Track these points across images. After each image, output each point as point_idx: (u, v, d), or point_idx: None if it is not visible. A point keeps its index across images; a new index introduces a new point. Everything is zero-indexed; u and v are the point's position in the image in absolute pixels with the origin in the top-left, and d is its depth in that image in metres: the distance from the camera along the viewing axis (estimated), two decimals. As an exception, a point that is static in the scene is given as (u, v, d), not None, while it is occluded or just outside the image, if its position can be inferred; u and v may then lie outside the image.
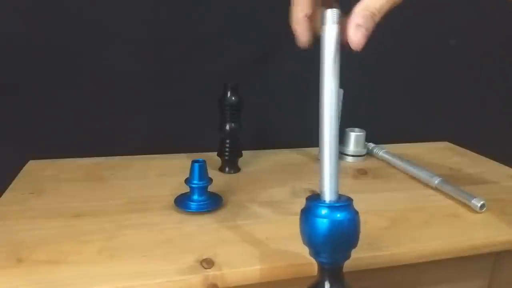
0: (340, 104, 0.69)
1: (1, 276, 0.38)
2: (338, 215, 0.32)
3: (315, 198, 0.34)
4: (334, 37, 0.32)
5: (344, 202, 0.33)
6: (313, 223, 0.32)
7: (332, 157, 0.33)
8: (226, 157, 0.65)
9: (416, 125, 0.89)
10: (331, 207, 0.32)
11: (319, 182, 0.33)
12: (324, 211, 0.32)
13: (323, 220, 0.31)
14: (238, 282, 0.41)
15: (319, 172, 0.33)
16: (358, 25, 0.32)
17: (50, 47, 0.66)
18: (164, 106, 0.73)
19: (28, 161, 0.67)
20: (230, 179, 0.64)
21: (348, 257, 0.33)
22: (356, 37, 0.32)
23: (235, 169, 0.67)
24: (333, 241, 0.32)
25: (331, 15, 0.32)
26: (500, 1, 0.85)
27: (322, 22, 0.33)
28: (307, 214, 0.33)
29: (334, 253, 0.32)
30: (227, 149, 0.65)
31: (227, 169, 0.66)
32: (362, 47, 0.33)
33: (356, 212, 0.33)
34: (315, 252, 0.33)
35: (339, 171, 0.33)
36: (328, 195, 0.33)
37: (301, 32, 0.35)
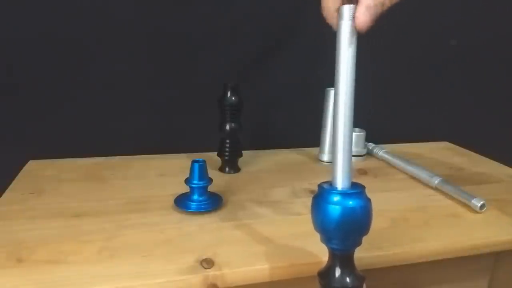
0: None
1: (1, 276, 0.38)
2: (351, 202, 0.32)
3: (327, 185, 0.33)
4: (351, 34, 0.32)
5: (356, 190, 0.33)
6: (326, 210, 0.32)
7: (346, 145, 0.33)
8: (226, 157, 0.65)
9: (416, 125, 0.89)
10: (344, 194, 0.32)
11: (332, 169, 0.33)
12: (336, 198, 0.32)
13: (336, 207, 0.31)
14: (238, 282, 0.41)
15: (332, 159, 0.33)
16: (368, 7, 0.33)
17: (50, 48, 0.66)
18: (164, 106, 0.74)
19: (28, 161, 0.67)
20: (230, 179, 0.64)
21: (359, 243, 0.33)
22: (363, 17, 0.33)
23: (235, 169, 0.67)
24: (345, 228, 0.32)
25: (348, 11, 0.32)
26: (500, 1, 0.85)
27: (339, 17, 0.33)
28: (320, 200, 0.33)
29: (345, 239, 0.33)
30: (227, 149, 0.65)
31: (227, 169, 0.66)
32: (366, 29, 0.33)
33: (369, 199, 0.33)
34: (327, 238, 0.33)
35: (351, 158, 0.33)
36: (340, 182, 0.33)
37: (334, 23, 0.36)
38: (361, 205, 0.32)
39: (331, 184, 0.33)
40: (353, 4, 0.35)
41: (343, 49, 0.32)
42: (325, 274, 0.34)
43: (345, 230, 0.32)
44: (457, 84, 0.90)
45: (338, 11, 0.33)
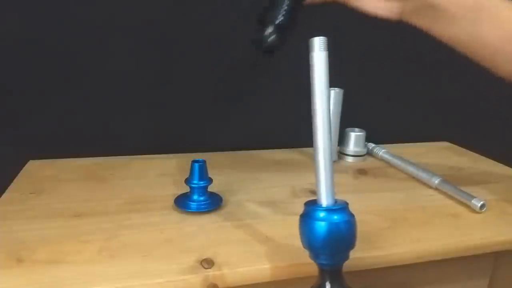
0: (340, 104, 0.69)
1: (1, 276, 0.38)
2: (335, 217, 0.34)
3: (312, 203, 0.35)
4: (322, 64, 0.35)
5: (340, 205, 0.34)
6: (312, 226, 0.34)
7: (327, 164, 0.35)
8: (279, 21, 0.44)
9: (416, 125, 0.89)
10: (328, 210, 0.34)
11: (316, 187, 0.35)
12: (321, 214, 0.34)
13: (321, 223, 0.33)
14: (238, 282, 0.41)
15: (315, 178, 0.35)
16: None
17: (50, 47, 0.66)
18: (164, 106, 0.74)
19: (28, 161, 0.67)
20: (230, 179, 0.63)
21: (346, 258, 0.34)
22: None
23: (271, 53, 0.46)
24: (332, 243, 0.33)
25: (318, 42, 0.35)
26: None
27: (309, 49, 0.35)
28: (306, 218, 0.35)
29: (333, 254, 0.34)
30: (284, 11, 0.44)
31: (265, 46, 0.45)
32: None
33: (352, 215, 0.35)
34: (315, 255, 0.35)
35: (333, 177, 0.35)
36: (324, 200, 0.35)
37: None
38: (345, 220, 0.34)
39: (316, 201, 0.35)
40: None
41: (317, 79, 0.35)
42: None
43: (331, 245, 0.33)
44: (457, 84, 0.90)
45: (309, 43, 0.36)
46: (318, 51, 0.35)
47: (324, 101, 0.35)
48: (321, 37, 0.35)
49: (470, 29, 0.46)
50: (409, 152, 0.78)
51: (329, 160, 0.35)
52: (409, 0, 0.48)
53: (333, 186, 0.35)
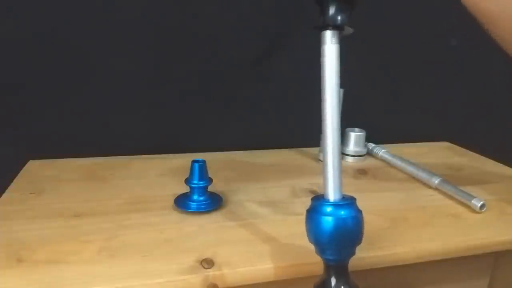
0: (340, 104, 0.69)
1: (1, 276, 0.38)
2: (342, 212, 0.33)
3: (319, 197, 0.35)
4: (334, 57, 0.34)
5: (347, 201, 0.34)
6: (319, 221, 0.33)
7: (335, 159, 0.34)
8: None
9: (416, 125, 0.89)
10: (335, 205, 0.33)
11: (323, 182, 0.35)
12: (329, 209, 0.33)
13: (328, 218, 0.33)
14: (238, 282, 0.41)
15: (322, 173, 0.35)
16: None
17: (50, 48, 0.66)
18: (164, 106, 0.74)
19: (28, 161, 0.67)
20: (230, 179, 0.63)
21: (353, 253, 0.34)
22: None
23: None
24: (338, 238, 0.33)
25: (330, 35, 0.34)
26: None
27: (321, 42, 0.34)
28: (313, 213, 0.34)
29: (339, 250, 0.33)
30: None
31: None
32: None
33: (360, 211, 0.34)
34: (321, 249, 0.34)
35: (341, 172, 0.34)
36: (332, 195, 0.34)
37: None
38: (352, 215, 0.33)
39: (323, 196, 0.35)
40: None
41: (328, 73, 0.34)
42: (321, 287, 0.34)
43: (338, 240, 0.33)
44: (457, 84, 0.90)
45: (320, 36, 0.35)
46: (330, 44, 0.34)
47: (334, 96, 0.34)
48: (334, 31, 0.34)
49: None
50: (409, 152, 0.78)
51: (337, 155, 0.34)
52: None
53: (341, 181, 0.34)
